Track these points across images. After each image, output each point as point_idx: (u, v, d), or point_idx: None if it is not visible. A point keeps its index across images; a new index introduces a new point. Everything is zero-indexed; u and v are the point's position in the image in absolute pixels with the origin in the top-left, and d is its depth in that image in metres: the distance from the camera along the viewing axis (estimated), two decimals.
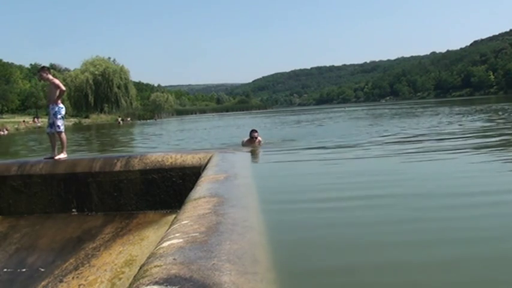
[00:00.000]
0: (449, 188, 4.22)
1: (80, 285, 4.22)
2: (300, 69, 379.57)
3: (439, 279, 2.16)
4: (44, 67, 6.87)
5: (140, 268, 1.71)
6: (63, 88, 6.68)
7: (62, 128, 6.67)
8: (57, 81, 6.65)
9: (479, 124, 13.41)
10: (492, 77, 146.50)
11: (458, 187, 4.25)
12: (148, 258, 1.79)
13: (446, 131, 11.37)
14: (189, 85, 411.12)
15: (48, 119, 6.90)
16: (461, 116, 19.52)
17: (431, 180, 4.67)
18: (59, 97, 6.63)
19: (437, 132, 11.18)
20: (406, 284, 2.18)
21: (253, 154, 7.76)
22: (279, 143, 10.55)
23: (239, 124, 26.95)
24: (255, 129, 9.75)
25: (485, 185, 4.28)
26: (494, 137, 9.54)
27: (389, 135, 10.74)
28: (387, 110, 37.61)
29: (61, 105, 6.71)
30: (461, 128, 12.16)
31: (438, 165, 5.78)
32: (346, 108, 62.74)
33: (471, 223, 3.05)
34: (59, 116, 6.62)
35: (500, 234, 2.78)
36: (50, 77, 6.66)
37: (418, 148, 7.61)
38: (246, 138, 9.62)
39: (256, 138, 9.35)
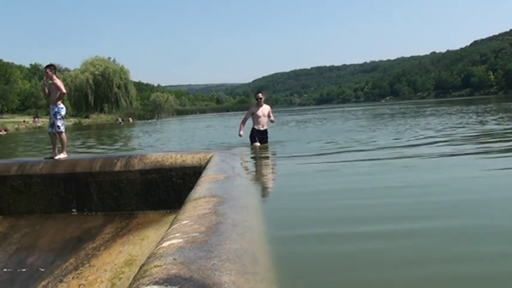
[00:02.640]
0: None
1: (80, 285, 4.22)
2: (300, 69, 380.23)
3: None
4: (51, 65, 6.89)
5: (140, 268, 1.71)
6: (64, 91, 6.69)
7: (62, 128, 6.68)
8: (59, 83, 6.66)
9: None
10: (492, 77, 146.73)
11: None
12: (148, 258, 1.79)
13: (489, 131, 10.04)
14: (189, 85, 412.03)
15: (49, 119, 6.92)
16: (485, 115, 17.97)
17: (496, 197, 3.50)
18: (58, 98, 6.64)
19: (478, 133, 9.64)
20: None
21: (255, 154, 7.50)
22: (285, 143, 9.71)
23: (227, 125, 26.34)
24: (261, 90, 8.94)
25: None
26: None
27: (419, 137, 9.41)
28: (394, 110, 37.07)
29: (61, 105, 6.72)
30: (503, 127, 10.86)
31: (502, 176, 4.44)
32: (346, 108, 62.64)
33: None
34: (58, 117, 6.63)
35: None
36: (54, 77, 6.68)
37: (467, 153, 6.36)
38: (255, 103, 8.78)
39: (260, 99, 8.51)
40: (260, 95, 8.61)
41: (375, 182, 4.31)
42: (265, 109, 8.58)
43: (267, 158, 7.23)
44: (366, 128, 14.47)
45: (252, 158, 7.07)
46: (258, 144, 8.34)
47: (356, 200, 3.56)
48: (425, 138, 9.00)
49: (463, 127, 11.81)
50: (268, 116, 8.67)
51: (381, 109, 43.68)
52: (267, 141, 8.66)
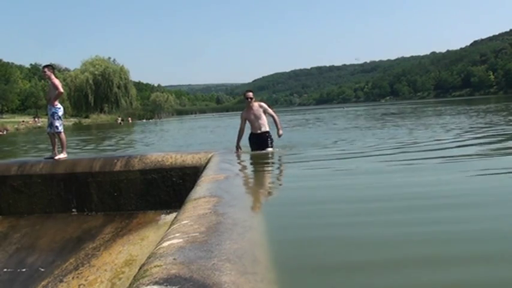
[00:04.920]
0: None
1: (80, 285, 4.22)
2: (300, 69, 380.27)
3: None
4: (49, 65, 6.88)
5: (140, 268, 1.71)
6: (61, 90, 6.65)
7: (61, 128, 6.66)
8: (56, 82, 6.64)
9: None
10: (492, 77, 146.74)
11: None
12: (148, 258, 1.79)
13: None
14: (189, 85, 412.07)
15: (48, 119, 6.92)
16: None
17: None
18: (55, 98, 6.62)
19: None
20: None
21: (257, 155, 7.01)
22: (292, 146, 8.55)
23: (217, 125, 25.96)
24: (250, 89, 7.61)
25: None
26: None
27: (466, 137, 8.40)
28: (402, 109, 36.97)
29: (58, 105, 6.69)
30: None
31: None
32: (345, 108, 62.55)
33: None
34: (56, 117, 6.62)
35: None
36: (52, 76, 6.67)
37: None
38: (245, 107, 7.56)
39: (250, 99, 7.26)
40: (250, 94, 7.34)
41: (402, 191, 3.73)
42: (257, 110, 7.29)
43: (270, 158, 6.91)
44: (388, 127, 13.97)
45: (252, 158, 6.95)
46: (258, 151, 7.13)
47: (369, 215, 3.00)
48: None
49: None
50: (265, 114, 7.34)
51: (383, 108, 43.27)
52: (271, 146, 7.30)
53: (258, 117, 7.25)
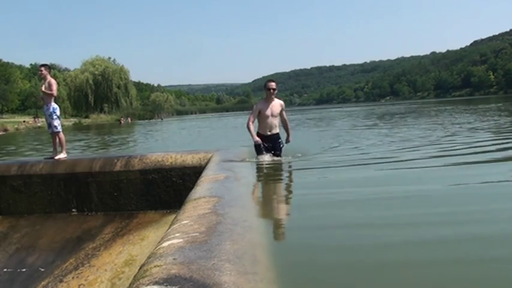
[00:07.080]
0: None
1: (80, 285, 4.22)
2: (300, 69, 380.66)
3: None
4: (46, 64, 6.86)
5: (140, 268, 1.71)
6: (54, 92, 6.58)
7: (59, 128, 6.66)
8: (52, 82, 6.60)
9: None
10: (492, 77, 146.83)
11: None
12: (148, 258, 1.79)
13: None
14: (189, 85, 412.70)
15: (46, 120, 6.89)
16: None
17: None
18: (47, 97, 6.58)
19: None
20: None
21: (257, 157, 6.28)
22: (299, 150, 7.30)
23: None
24: (273, 79, 6.38)
25: None
26: None
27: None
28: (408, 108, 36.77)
29: (55, 105, 6.68)
30: None
31: None
32: (344, 108, 62.46)
33: None
34: (54, 117, 6.61)
35: None
36: (48, 76, 6.65)
37: None
38: (263, 98, 6.51)
39: (274, 90, 6.12)
40: (273, 84, 6.17)
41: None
42: (275, 106, 6.21)
43: (272, 158, 6.24)
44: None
45: (253, 157, 6.82)
46: (266, 157, 6.05)
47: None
48: None
49: None
50: (280, 116, 6.33)
51: (395, 109, 42.48)
52: (279, 151, 6.27)
53: (274, 115, 6.21)
